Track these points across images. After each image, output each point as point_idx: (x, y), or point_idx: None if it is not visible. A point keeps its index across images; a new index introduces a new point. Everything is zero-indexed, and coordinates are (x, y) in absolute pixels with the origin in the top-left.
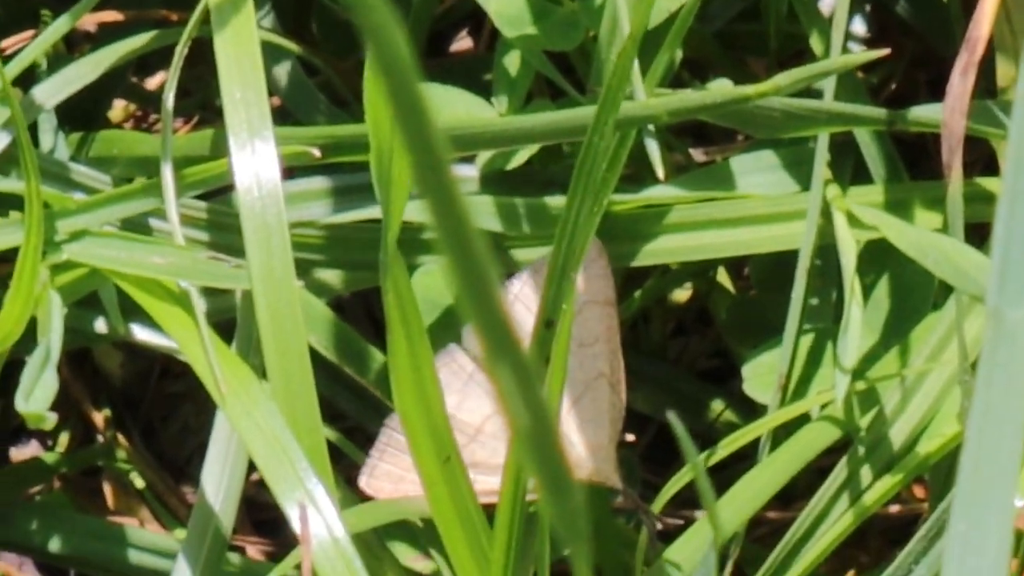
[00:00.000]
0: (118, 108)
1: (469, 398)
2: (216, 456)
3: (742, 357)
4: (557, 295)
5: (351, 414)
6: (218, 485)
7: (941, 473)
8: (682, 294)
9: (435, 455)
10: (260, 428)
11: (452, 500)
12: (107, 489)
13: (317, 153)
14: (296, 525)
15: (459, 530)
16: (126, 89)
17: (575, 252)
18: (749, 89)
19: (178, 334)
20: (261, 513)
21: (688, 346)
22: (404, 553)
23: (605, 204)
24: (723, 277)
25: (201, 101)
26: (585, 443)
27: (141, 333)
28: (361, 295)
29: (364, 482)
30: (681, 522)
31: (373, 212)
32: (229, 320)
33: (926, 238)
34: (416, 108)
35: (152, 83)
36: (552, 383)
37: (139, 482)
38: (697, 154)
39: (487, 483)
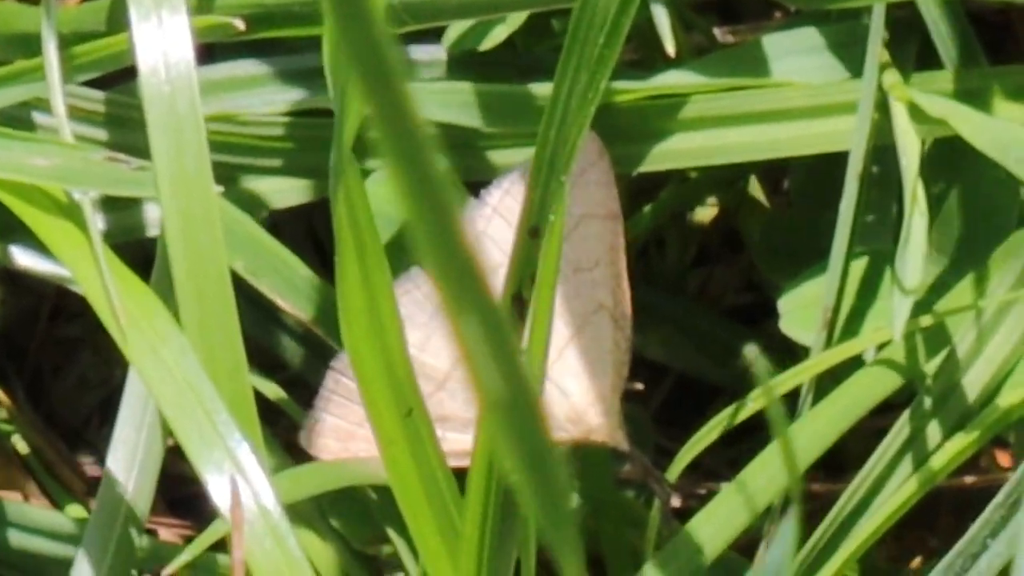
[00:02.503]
0: None
1: (435, 335)
2: (130, 416)
3: (779, 288)
4: (543, 198)
5: (290, 362)
6: (132, 455)
7: None
8: (705, 211)
9: (394, 408)
10: (170, 371)
11: (415, 464)
12: None
13: (240, 25)
14: (216, 494)
15: (423, 501)
16: None
17: (565, 145)
18: None
19: (69, 256)
20: (177, 488)
21: (713, 276)
22: (353, 532)
23: (602, 88)
24: (755, 188)
25: None
26: (582, 392)
27: (23, 257)
28: (301, 211)
29: (305, 439)
30: (702, 492)
31: (315, 102)
32: (136, 246)
33: (1006, 131)
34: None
35: None
36: (537, 318)
37: (22, 447)
38: (723, 33)
39: (458, 441)
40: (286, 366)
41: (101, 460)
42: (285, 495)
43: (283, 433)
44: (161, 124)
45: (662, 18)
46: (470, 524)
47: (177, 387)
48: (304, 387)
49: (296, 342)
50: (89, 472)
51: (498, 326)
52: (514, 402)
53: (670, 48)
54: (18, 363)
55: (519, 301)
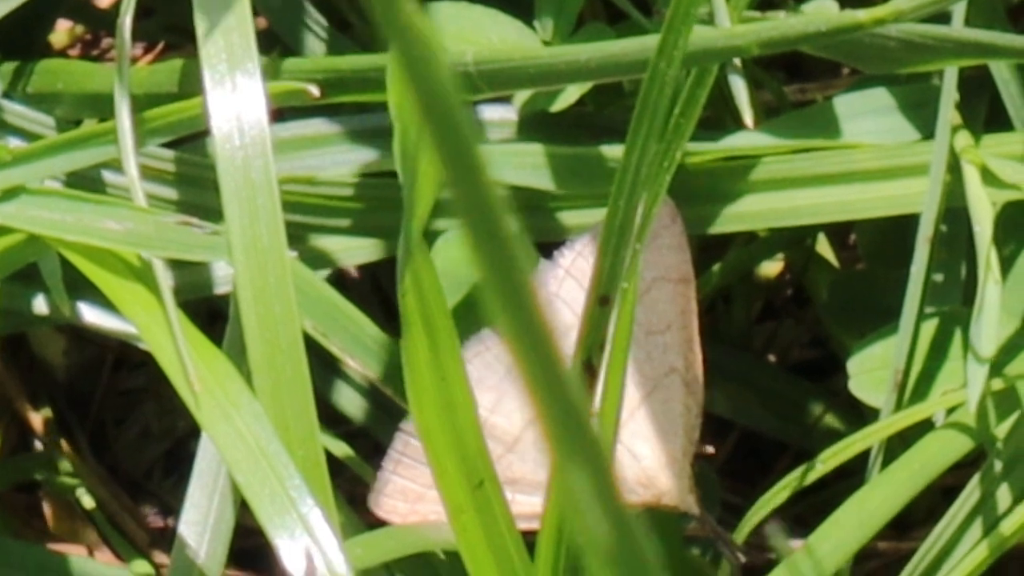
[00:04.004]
0: (62, 31)
1: (506, 397)
2: (202, 480)
3: (847, 347)
4: (614, 266)
5: (355, 417)
6: (204, 520)
7: None
8: (772, 267)
9: (464, 480)
10: (242, 437)
11: (485, 533)
12: (47, 508)
13: (315, 92)
14: (287, 560)
15: (493, 570)
16: (72, 7)
17: (636, 210)
18: (861, 15)
19: (137, 316)
20: (245, 539)
21: (779, 332)
22: None
23: (678, 157)
24: (823, 247)
25: (166, 22)
26: (652, 456)
27: (90, 314)
28: (368, 268)
29: (374, 501)
30: (770, 555)
31: (385, 163)
32: (201, 300)
33: None
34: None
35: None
36: (609, 381)
37: (87, 500)
38: (792, 92)
39: (527, 504)
40: (349, 420)
41: (165, 511)
42: (357, 561)
43: (346, 485)
44: (235, 190)
45: (740, 88)
46: None
47: (250, 453)
48: (365, 438)
49: (360, 395)
50: (152, 524)
51: (570, 391)
52: (586, 466)
53: (748, 120)
54: (81, 414)
55: (588, 368)
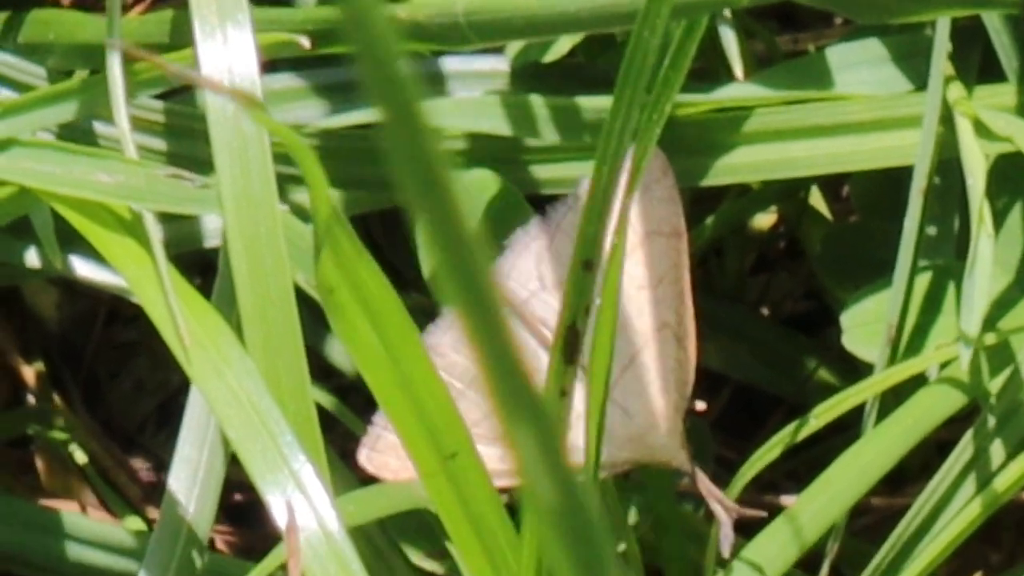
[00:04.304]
0: None
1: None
2: (191, 434)
3: (841, 301)
4: (598, 230)
5: (347, 370)
6: (194, 474)
7: None
8: (764, 218)
9: (435, 452)
10: (233, 392)
11: (459, 498)
12: (39, 464)
13: (306, 43)
14: (278, 517)
15: (473, 538)
16: None
17: (619, 173)
18: None
19: (129, 270)
20: (234, 494)
21: (772, 285)
22: (414, 548)
23: (668, 110)
24: (817, 199)
25: None
26: (645, 413)
27: (83, 268)
28: (360, 219)
29: (364, 457)
30: (764, 514)
31: (374, 115)
32: (193, 253)
33: None
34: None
35: None
36: (598, 344)
37: (80, 456)
38: (784, 42)
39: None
40: (341, 373)
41: (158, 465)
42: (349, 518)
43: (338, 440)
44: (225, 142)
45: (730, 40)
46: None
47: (241, 408)
48: (357, 392)
49: None
50: (145, 478)
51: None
52: (532, 431)
53: (739, 72)
54: (75, 368)
55: (574, 332)
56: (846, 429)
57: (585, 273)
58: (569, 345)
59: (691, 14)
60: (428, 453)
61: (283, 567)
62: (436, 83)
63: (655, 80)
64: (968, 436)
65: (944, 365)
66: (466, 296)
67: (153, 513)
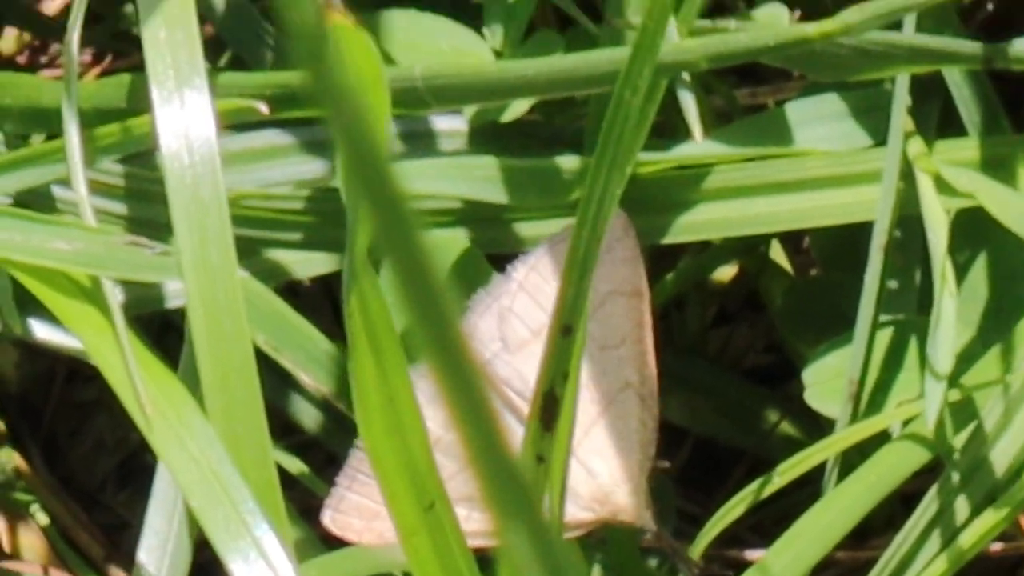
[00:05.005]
0: (9, 38)
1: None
2: (160, 505)
3: (802, 355)
4: (576, 297)
5: (309, 427)
6: (164, 546)
7: None
8: (726, 272)
9: (415, 502)
10: (195, 461)
11: (437, 554)
12: (1, 525)
13: (264, 109)
14: None
15: None
16: (19, 14)
17: (599, 241)
18: (810, 29)
19: (89, 336)
20: (205, 551)
21: (733, 338)
22: None
23: (628, 173)
24: (777, 252)
25: (114, 30)
26: (609, 472)
27: (42, 331)
28: (321, 278)
29: (328, 518)
30: (729, 574)
31: (334, 179)
32: (152, 315)
33: None
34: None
35: (52, 7)
36: (561, 411)
37: (42, 517)
38: (742, 96)
39: (483, 521)
40: (302, 430)
41: (120, 524)
42: None
43: (300, 498)
44: (185, 210)
45: (689, 103)
46: None
47: (203, 477)
48: (319, 449)
49: (313, 406)
50: (107, 537)
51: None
52: (522, 521)
53: (698, 135)
54: (34, 426)
55: (552, 398)
56: (810, 483)
57: (564, 339)
58: (547, 411)
59: (662, 76)
60: (408, 502)
61: None
62: (394, 143)
63: (617, 143)
64: (933, 492)
65: (907, 422)
66: (440, 356)
67: (115, 573)
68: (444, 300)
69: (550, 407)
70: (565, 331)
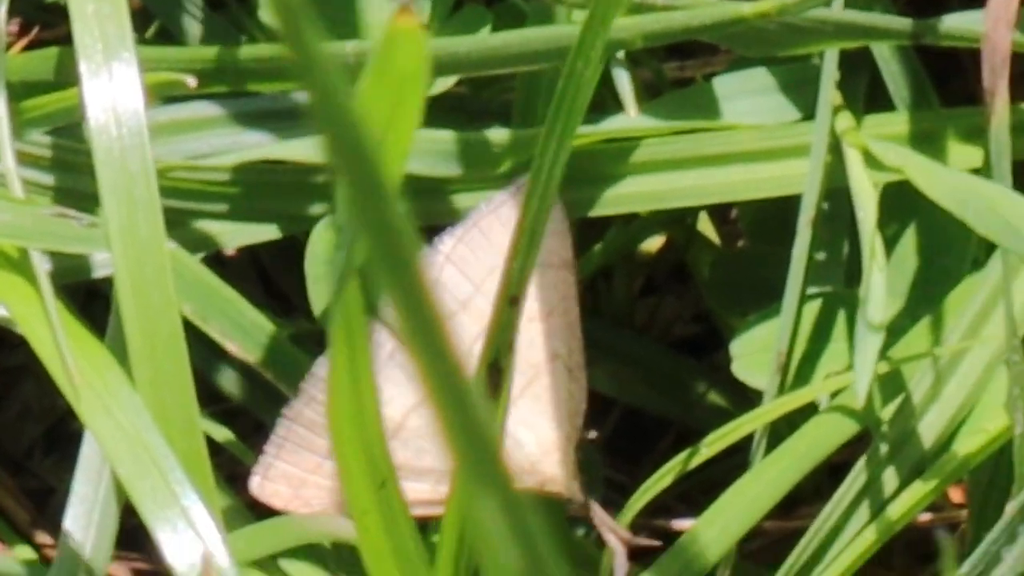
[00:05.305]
0: None
1: (389, 384)
2: (86, 473)
3: (729, 326)
4: (523, 268)
5: (235, 395)
6: (90, 514)
7: (984, 477)
8: (653, 243)
9: (369, 482)
10: (123, 430)
11: (387, 534)
12: None
13: (192, 82)
14: (169, 554)
15: (394, 568)
16: None
17: (547, 214)
18: (746, 8)
19: (15, 307)
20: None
21: (660, 308)
22: (304, 574)
23: (568, 150)
24: (705, 224)
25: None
26: (536, 443)
27: None
28: (248, 248)
29: (256, 484)
30: (658, 544)
31: (264, 151)
32: (79, 283)
33: (963, 183)
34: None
35: None
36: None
37: None
38: (670, 69)
39: (413, 490)
40: (229, 397)
41: (46, 491)
42: (240, 555)
43: (227, 465)
44: (113, 183)
45: (623, 80)
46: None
47: (131, 446)
48: (245, 416)
49: (240, 375)
50: (34, 504)
51: (462, 383)
52: (480, 459)
53: (632, 111)
54: None
55: (496, 370)
56: (736, 452)
57: (510, 309)
58: (492, 382)
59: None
60: (364, 482)
61: None
62: None
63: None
64: (861, 463)
65: (835, 394)
66: (402, 293)
67: (42, 538)
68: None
69: (495, 378)
70: (512, 301)
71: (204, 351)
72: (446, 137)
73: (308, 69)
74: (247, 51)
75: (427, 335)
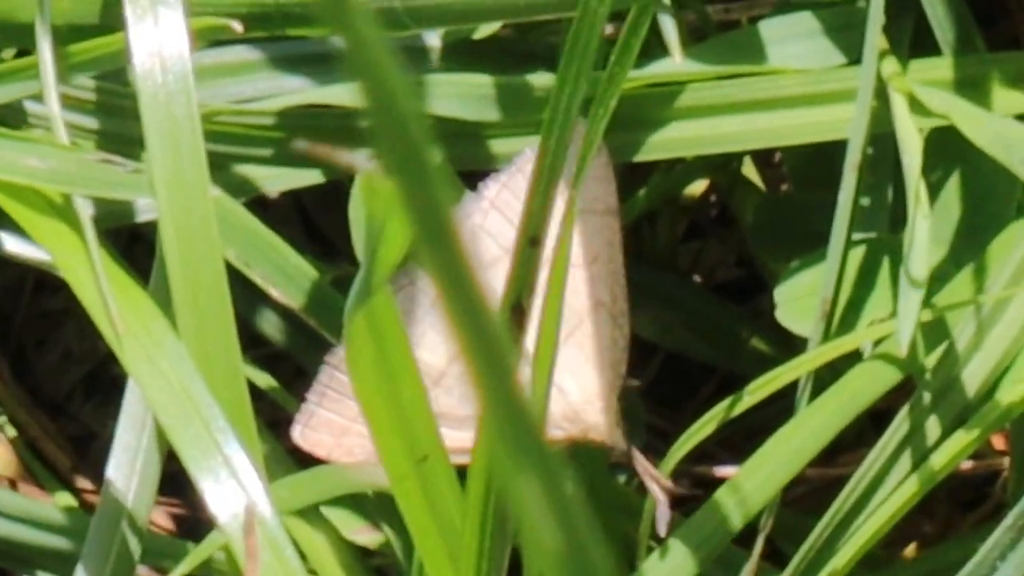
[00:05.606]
0: None
1: (432, 331)
2: (130, 421)
3: (772, 271)
4: (543, 207)
5: (278, 340)
6: (132, 462)
7: None
8: (697, 187)
9: (407, 454)
10: (166, 378)
11: (428, 502)
12: None
13: (238, 27)
14: (212, 504)
15: (436, 536)
16: None
17: (565, 152)
18: None
19: (60, 254)
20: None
21: (704, 253)
22: (346, 522)
23: (612, 106)
24: (749, 168)
25: None
26: (579, 391)
27: (12, 244)
28: (292, 192)
29: (298, 433)
30: (700, 492)
31: (308, 95)
32: (121, 229)
33: (1008, 129)
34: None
35: None
36: (544, 330)
37: (9, 429)
38: (716, 12)
39: (454, 439)
40: (271, 342)
41: (87, 435)
42: (283, 504)
43: (268, 410)
44: (158, 128)
45: (669, 26)
46: (469, 531)
47: (174, 395)
48: (288, 361)
49: (283, 319)
50: (74, 448)
51: (494, 333)
52: (511, 412)
53: (677, 57)
54: (2, 336)
55: (519, 310)
56: (780, 399)
57: (531, 249)
58: (515, 323)
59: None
60: (401, 455)
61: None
62: None
63: (605, 59)
64: (904, 412)
65: (879, 341)
66: (440, 259)
67: (82, 483)
68: (438, 184)
69: (518, 319)
70: (532, 242)
71: (246, 294)
72: (489, 81)
73: (341, 16)
74: None
75: (459, 291)
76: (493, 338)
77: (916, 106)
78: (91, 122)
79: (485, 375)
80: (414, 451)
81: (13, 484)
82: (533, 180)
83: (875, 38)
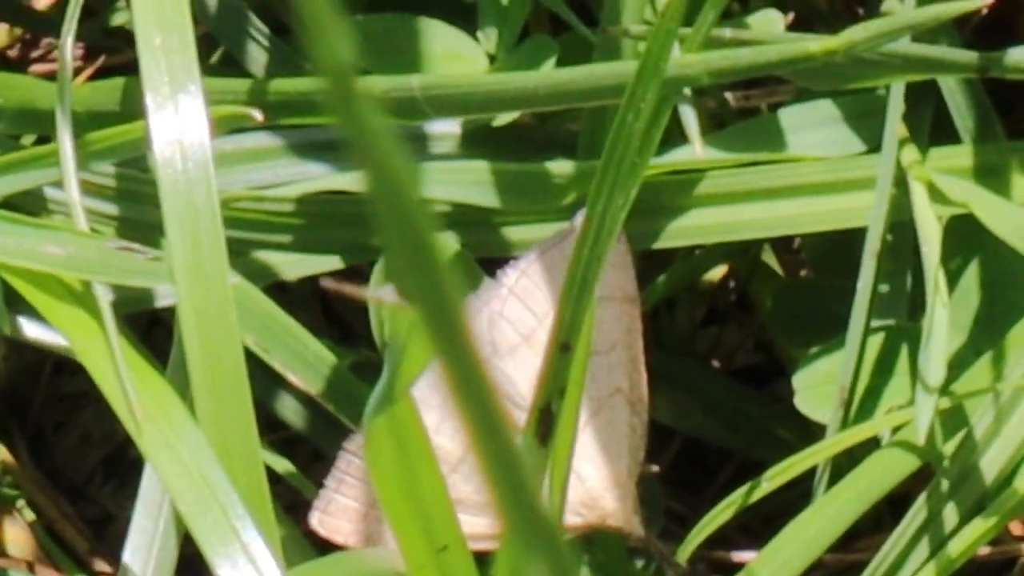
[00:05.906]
0: (0, 31)
1: (450, 418)
2: (146, 507)
3: (792, 357)
4: (575, 314)
5: (296, 424)
6: (149, 548)
7: None
8: (716, 272)
9: (427, 545)
10: (184, 465)
11: None
12: None
13: (258, 116)
14: None
15: None
16: (9, 9)
17: (600, 262)
18: (813, 46)
19: (79, 341)
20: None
21: (723, 337)
22: None
23: (632, 197)
24: (768, 253)
25: (105, 24)
26: (597, 477)
27: (31, 328)
28: (308, 276)
29: (316, 520)
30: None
31: (327, 181)
32: (140, 312)
33: None
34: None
35: (43, 2)
36: (563, 423)
37: (28, 512)
38: (735, 98)
39: (471, 524)
40: (289, 426)
41: (105, 518)
42: None
43: (286, 494)
44: (177, 216)
45: (689, 117)
46: None
47: (192, 482)
48: (305, 445)
49: (301, 404)
50: (92, 531)
51: (508, 441)
52: (532, 530)
53: (698, 147)
54: (21, 419)
55: (548, 414)
56: (798, 484)
57: (562, 356)
58: (543, 426)
59: (664, 91)
60: (420, 544)
61: None
62: None
63: (619, 165)
64: (922, 499)
65: (897, 429)
66: (450, 353)
67: (100, 566)
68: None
69: (546, 422)
70: (563, 348)
71: (264, 378)
72: (509, 169)
73: (344, 107)
74: (312, 83)
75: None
76: (508, 447)
77: (935, 194)
78: (111, 208)
79: (501, 487)
80: (433, 541)
81: (31, 567)
82: (564, 287)
83: (895, 126)
